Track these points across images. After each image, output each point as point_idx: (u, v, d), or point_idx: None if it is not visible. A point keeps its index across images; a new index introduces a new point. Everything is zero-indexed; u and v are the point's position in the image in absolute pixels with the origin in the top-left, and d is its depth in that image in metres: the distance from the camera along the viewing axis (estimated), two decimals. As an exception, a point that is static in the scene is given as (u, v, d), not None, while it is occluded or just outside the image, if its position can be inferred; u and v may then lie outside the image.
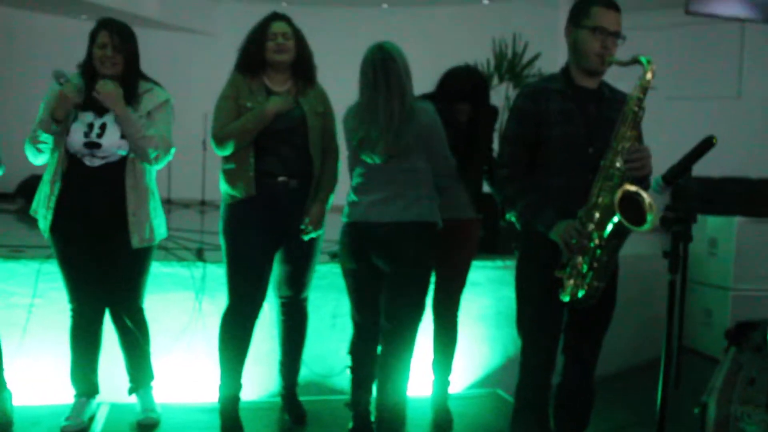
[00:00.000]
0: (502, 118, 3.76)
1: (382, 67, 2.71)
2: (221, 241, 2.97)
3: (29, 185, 8.21)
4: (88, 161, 2.83)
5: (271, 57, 2.92)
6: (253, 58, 2.94)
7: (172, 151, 2.95)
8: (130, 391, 3.12)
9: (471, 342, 3.95)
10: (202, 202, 8.73)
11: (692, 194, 2.00)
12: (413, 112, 2.71)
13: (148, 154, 2.85)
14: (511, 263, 2.62)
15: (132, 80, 2.89)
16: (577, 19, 2.37)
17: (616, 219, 2.14)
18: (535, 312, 2.41)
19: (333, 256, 3.67)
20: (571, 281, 2.28)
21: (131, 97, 2.87)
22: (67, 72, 2.85)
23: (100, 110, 2.85)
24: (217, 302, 3.41)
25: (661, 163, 2.24)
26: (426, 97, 3.03)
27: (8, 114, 8.29)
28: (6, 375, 2.94)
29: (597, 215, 2.24)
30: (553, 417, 2.52)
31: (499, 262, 4.02)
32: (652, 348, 5.08)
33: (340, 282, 2.98)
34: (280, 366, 3.21)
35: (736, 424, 3.14)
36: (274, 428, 3.18)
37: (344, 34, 9.92)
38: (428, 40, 9.49)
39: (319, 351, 3.58)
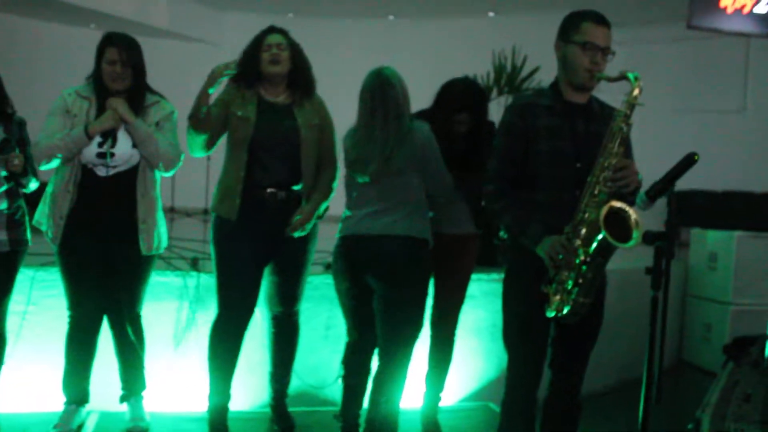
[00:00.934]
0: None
1: (380, 94, 2.75)
2: (211, 251, 2.99)
3: (27, 193, 8.28)
4: (100, 171, 2.88)
5: (265, 68, 2.93)
6: (248, 69, 2.94)
7: (182, 157, 3.00)
8: (122, 399, 3.14)
9: (465, 355, 3.93)
10: (205, 211, 8.79)
11: (674, 210, 1.99)
12: (409, 135, 2.73)
13: (161, 160, 2.91)
14: (504, 276, 2.61)
15: (140, 93, 2.95)
16: (566, 34, 2.38)
17: (601, 235, 2.14)
18: (521, 326, 2.41)
19: (327, 267, 3.67)
20: (557, 297, 2.27)
21: (140, 109, 2.93)
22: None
23: None
24: (210, 312, 3.41)
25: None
26: (424, 111, 3.04)
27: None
28: None
29: (583, 231, 2.24)
30: (540, 431, 2.51)
31: (494, 275, 4.01)
32: (641, 364, 5.07)
33: (333, 293, 2.98)
34: (270, 377, 3.21)
35: (728, 441, 3.12)
36: (263, 439, 3.19)
37: (351, 45, 9.98)
38: (432, 51, 9.54)
39: (311, 362, 3.58)
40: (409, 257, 2.74)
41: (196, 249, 4.08)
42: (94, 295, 2.96)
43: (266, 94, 2.98)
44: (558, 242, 2.25)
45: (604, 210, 2.13)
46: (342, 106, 3.06)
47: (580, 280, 2.23)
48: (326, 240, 3.09)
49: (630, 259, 4.04)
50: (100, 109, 2.90)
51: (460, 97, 3.05)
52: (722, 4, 6.09)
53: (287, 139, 2.93)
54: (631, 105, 2.23)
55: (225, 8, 10.51)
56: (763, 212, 8.05)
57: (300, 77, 3.00)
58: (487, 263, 4.04)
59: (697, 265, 5.57)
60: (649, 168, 2.40)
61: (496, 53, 6.55)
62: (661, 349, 1.95)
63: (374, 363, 2.90)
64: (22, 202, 2.95)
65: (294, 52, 2.98)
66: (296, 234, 2.95)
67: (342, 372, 2.95)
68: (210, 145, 2.96)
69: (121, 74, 2.87)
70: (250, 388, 3.48)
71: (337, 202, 3.05)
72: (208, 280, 3.50)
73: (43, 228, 2.96)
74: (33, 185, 2.94)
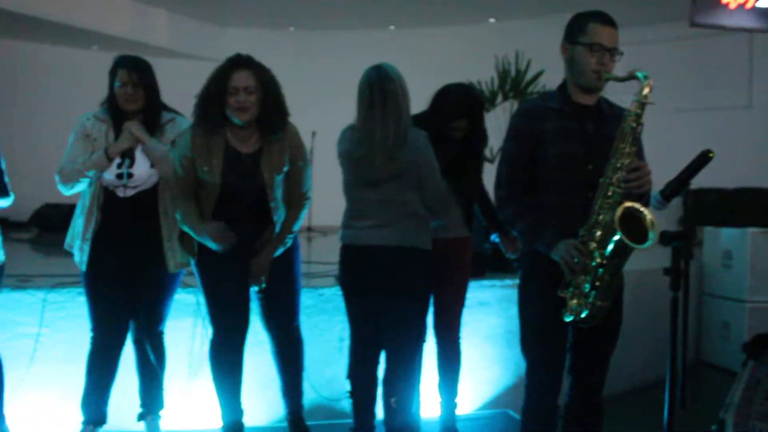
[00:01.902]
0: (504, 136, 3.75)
1: (379, 88, 2.70)
2: (195, 274, 2.95)
3: (42, 214, 8.30)
4: (121, 192, 2.91)
5: (231, 115, 2.74)
6: (211, 114, 2.74)
7: None
8: (139, 417, 3.13)
9: (481, 362, 3.91)
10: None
11: (690, 210, 1.96)
12: (409, 136, 2.71)
13: None
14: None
15: (154, 112, 2.97)
16: (573, 35, 2.36)
17: (617, 237, 2.11)
18: (538, 332, 2.38)
19: (338, 279, 3.65)
20: (574, 301, 2.25)
21: (155, 128, 2.95)
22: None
23: None
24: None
25: (672, 176, 2.19)
26: (419, 115, 3.02)
27: (17, 145, 8.41)
28: (5, 411, 2.94)
29: (598, 233, 2.21)
30: (562, 438, 2.48)
31: (507, 281, 3.99)
32: (663, 365, 5.01)
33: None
34: (281, 392, 3.19)
35: (753, 441, 3.07)
36: (280, 454, 3.16)
37: (352, 57, 9.97)
38: (434, 60, 9.53)
39: (326, 375, 3.56)
40: (410, 267, 2.73)
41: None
42: (118, 315, 2.98)
43: (233, 139, 2.81)
44: (573, 246, 2.22)
45: (619, 211, 2.11)
46: (343, 119, 3.01)
47: (597, 283, 2.20)
48: (334, 252, 3.06)
49: (645, 260, 4.01)
50: (117, 131, 2.94)
51: (459, 104, 3.04)
52: (724, 0, 6.07)
53: (254, 191, 2.82)
54: (642, 104, 2.20)
55: (225, 24, 10.55)
56: (776, 208, 7.98)
57: (269, 119, 2.79)
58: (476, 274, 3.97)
59: (711, 263, 5.52)
60: (656, 168, 2.37)
61: (499, 58, 6.54)
62: (684, 350, 1.92)
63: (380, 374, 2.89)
64: None
65: (265, 90, 2.75)
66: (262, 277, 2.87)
67: (350, 387, 2.92)
68: None
69: (132, 95, 2.90)
70: (266, 403, 3.45)
71: (334, 212, 2.97)
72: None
73: (73, 251, 3.00)
74: (3, 203, 2.92)
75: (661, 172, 2.45)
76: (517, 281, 2.50)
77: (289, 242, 2.93)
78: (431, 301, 2.94)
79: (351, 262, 2.81)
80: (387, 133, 2.68)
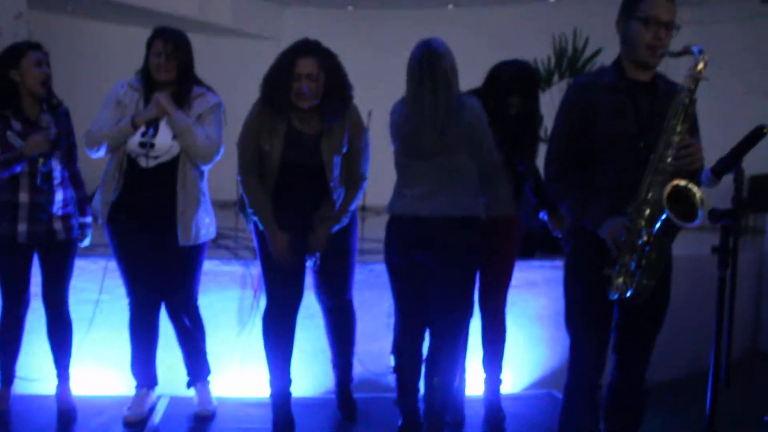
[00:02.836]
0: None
1: (428, 63, 2.70)
2: (255, 247, 3.02)
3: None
4: (143, 162, 2.96)
5: (294, 100, 2.81)
6: (276, 97, 2.84)
7: (221, 150, 3.04)
8: (188, 385, 3.23)
9: (529, 343, 3.89)
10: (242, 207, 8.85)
11: (741, 187, 1.91)
12: (459, 108, 2.70)
13: (197, 153, 2.95)
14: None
15: (185, 85, 3.00)
16: (629, 9, 2.30)
17: (664, 215, 2.07)
18: (583, 310, 2.36)
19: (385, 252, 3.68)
20: (620, 279, 2.22)
21: (184, 101, 2.99)
22: None
23: None
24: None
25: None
26: (474, 92, 3.01)
27: (82, 124, 8.69)
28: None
29: (647, 211, 2.17)
30: (604, 418, 2.46)
31: (557, 262, 3.95)
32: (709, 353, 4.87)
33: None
34: (332, 364, 3.25)
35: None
36: (325, 424, 3.22)
37: (410, 35, 9.90)
38: (492, 39, 9.37)
39: (374, 349, 3.60)
40: (461, 238, 2.72)
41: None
42: (145, 281, 3.05)
43: (296, 120, 2.89)
44: (620, 223, 2.19)
45: (668, 188, 2.06)
46: (399, 96, 3.01)
47: (644, 262, 2.17)
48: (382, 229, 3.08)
49: (701, 245, 3.90)
50: (148, 101, 2.98)
51: (512, 80, 3.02)
52: (798, -24, 5.80)
53: (312, 170, 2.89)
54: (696, 79, 2.14)
55: (286, 3, 10.62)
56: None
57: (332, 103, 2.86)
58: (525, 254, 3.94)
59: (769, 249, 5.34)
60: (721, 151, 2.31)
61: (556, 37, 6.41)
62: (729, 331, 1.88)
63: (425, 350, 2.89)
64: (73, 194, 3.08)
65: (328, 75, 2.83)
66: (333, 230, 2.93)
67: (395, 362, 2.94)
68: None
69: (164, 65, 2.93)
70: (314, 375, 3.53)
71: (383, 190, 2.97)
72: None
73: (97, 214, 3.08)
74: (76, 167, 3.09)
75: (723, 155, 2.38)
76: (564, 262, 2.48)
77: (345, 221, 2.98)
78: (477, 277, 2.94)
79: (400, 234, 2.79)
80: (437, 107, 2.68)
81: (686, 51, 2.15)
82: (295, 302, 3.00)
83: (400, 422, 2.92)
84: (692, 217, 2.04)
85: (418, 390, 2.90)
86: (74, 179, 3.10)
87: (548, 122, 3.25)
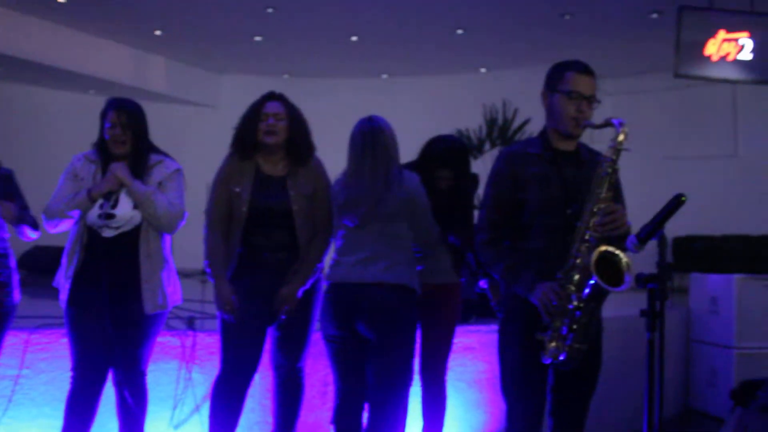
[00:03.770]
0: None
1: (371, 136, 2.82)
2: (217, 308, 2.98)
3: (32, 256, 8.28)
4: (104, 232, 2.92)
5: (261, 138, 2.97)
6: (245, 139, 2.99)
7: (185, 215, 3.03)
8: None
9: (467, 407, 3.89)
10: (203, 272, 8.71)
11: (665, 252, 2.00)
12: (398, 181, 2.78)
13: (160, 220, 2.94)
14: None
15: (141, 154, 3.00)
16: (552, 84, 2.43)
17: (593, 280, 2.15)
18: (518, 375, 2.39)
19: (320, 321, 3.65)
20: (553, 343, 2.26)
21: (141, 171, 2.98)
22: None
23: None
24: (207, 371, 3.39)
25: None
26: (410, 164, 3.11)
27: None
28: None
29: (576, 276, 2.24)
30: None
31: (493, 326, 3.98)
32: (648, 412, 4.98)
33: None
34: (272, 437, 3.16)
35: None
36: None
37: (345, 104, 10.12)
38: (425, 108, 9.68)
39: (310, 420, 3.53)
40: (399, 305, 2.75)
41: (195, 309, 4.07)
42: (98, 354, 2.95)
43: (264, 164, 3.02)
44: (551, 289, 2.25)
45: (595, 254, 2.14)
46: (338, 164, 3.08)
47: (575, 326, 2.22)
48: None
49: (631, 305, 4.01)
50: (105, 172, 2.97)
51: (441, 154, 3.16)
52: (707, 52, 6.21)
53: (281, 213, 2.97)
54: (617, 150, 2.26)
55: (222, 71, 10.72)
56: (762, 255, 8.04)
57: (296, 146, 3.02)
58: (481, 314, 4.04)
59: (698, 309, 5.54)
60: (644, 215, 2.42)
61: (487, 107, 6.66)
62: (660, 392, 1.93)
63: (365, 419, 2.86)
64: (8, 264, 3.00)
65: (292, 120, 3.01)
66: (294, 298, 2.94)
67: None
68: None
69: (120, 137, 2.94)
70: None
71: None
72: (203, 339, 3.48)
73: (60, 288, 3.01)
74: (32, 234, 3.06)
75: (647, 219, 2.48)
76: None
77: (312, 280, 2.99)
78: (418, 345, 2.96)
79: (337, 301, 2.80)
80: (375, 179, 2.77)
81: (607, 123, 2.27)
82: (251, 372, 2.95)
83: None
84: (619, 282, 2.12)
85: (358, 462, 2.85)
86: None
87: (481, 189, 3.37)
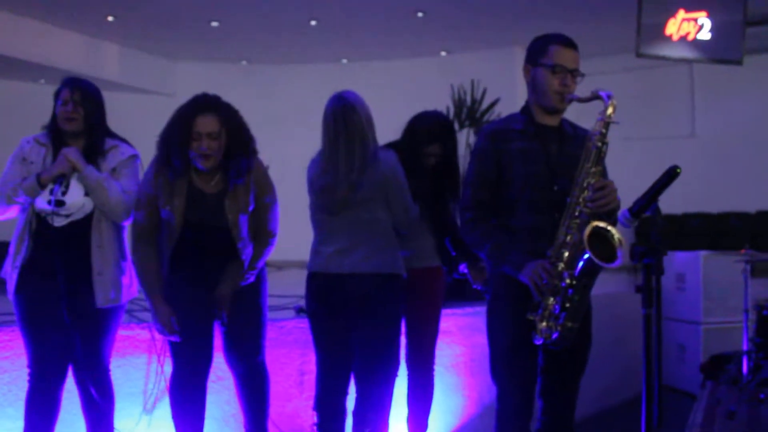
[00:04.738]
0: (463, 164, 3.76)
1: (342, 117, 2.70)
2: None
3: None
4: (54, 220, 2.74)
5: (195, 161, 2.68)
6: (176, 158, 2.68)
7: None
8: (89, 462, 2.94)
9: (445, 392, 3.85)
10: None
11: (660, 226, 1.96)
12: (374, 162, 2.69)
13: (112, 209, 2.77)
14: (482, 309, 2.55)
15: (96, 138, 2.82)
16: (535, 57, 2.37)
17: (585, 256, 2.10)
18: (508, 356, 2.34)
19: (299, 311, 3.56)
20: (544, 323, 2.21)
21: (95, 154, 2.81)
22: None
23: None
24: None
25: (621, 202, 2.23)
26: (392, 144, 3.01)
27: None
28: None
29: (566, 254, 2.20)
30: (535, 463, 2.42)
31: (468, 308, 3.96)
32: (628, 387, 5.03)
33: (307, 337, 2.89)
34: (245, 431, 3.06)
35: (720, 462, 3.07)
36: (242, 495, 3.02)
37: (305, 90, 9.97)
38: (389, 92, 9.55)
39: (287, 410, 3.45)
40: (379, 294, 2.68)
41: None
42: (54, 348, 2.78)
43: (197, 179, 2.74)
44: (541, 266, 2.20)
45: (587, 230, 2.10)
46: (298, 151, 2.97)
47: (567, 305, 2.18)
48: (296, 285, 2.99)
49: (597, 286, 4.03)
50: (56, 156, 2.78)
51: (431, 129, 3.04)
52: (667, 32, 6.27)
53: (218, 231, 2.75)
54: (607, 123, 2.21)
55: (177, 58, 10.44)
56: (723, 232, 8.21)
57: (236, 161, 2.72)
58: (457, 297, 3.99)
59: (665, 286, 5.61)
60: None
61: (455, 88, 6.60)
62: (658, 370, 1.90)
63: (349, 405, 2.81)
64: None
65: (230, 132, 2.69)
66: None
67: (317, 419, 2.82)
68: None
69: (71, 114, 2.76)
70: (226, 442, 3.32)
71: (303, 244, 2.93)
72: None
73: (6, 278, 2.82)
74: None
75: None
76: (478, 308, 2.47)
77: (251, 278, 2.85)
78: (403, 331, 2.89)
79: (319, 290, 2.74)
80: (351, 162, 2.67)
81: (595, 96, 2.23)
82: (205, 365, 2.83)
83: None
84: (612, 258, 2.08)
85: (341, 449, 2.79)
86: None
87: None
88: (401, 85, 9.82)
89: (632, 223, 2.03)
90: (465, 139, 6.05)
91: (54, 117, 2.81)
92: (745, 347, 4.38)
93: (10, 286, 2.78)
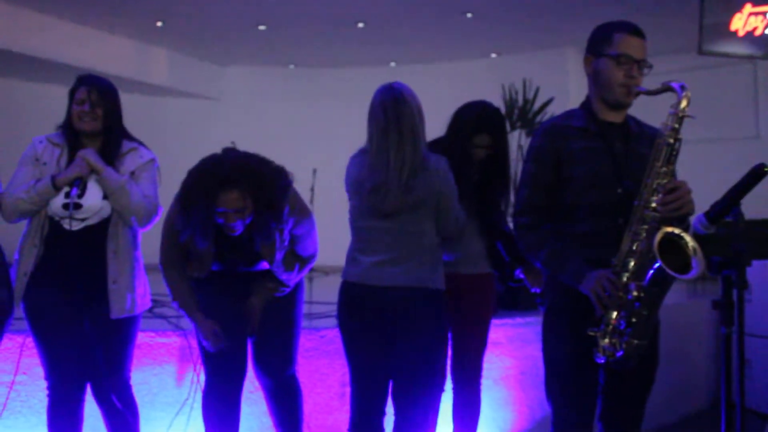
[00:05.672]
0: (514, 167, 3.53)
1: (394, 111, 2.47)
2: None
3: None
4: (68, 224, 2.61)
5: (224, 230, 2.58)
6: (199, 238, 2.57)
7: (160, 210, 2.74)
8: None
9: (493, 406, 3.65)
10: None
11: (741, 233, 1.73)
12: (426, 164, 2.48)
13: (133, 214, 2.65)
14: (534, 320, 2.34)
15: (113, 139, 2.71)
16: (598, 47, 2.16)
17: (657, 266, 1.88)
18: (566, 375, 2.12)
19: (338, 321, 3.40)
20: (607, 339, 2.00)
21: (114, 157, 2.69)
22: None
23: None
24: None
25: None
26: (438, 139, 2.81)
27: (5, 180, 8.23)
28: None
29: (633, 263, 1.98)
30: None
31: (519, 319, 3.74)
32: (685, 404, 4.74)
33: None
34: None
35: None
36: None
37: (353, 93, 9.86)
38: (437, 94, 9.36)
39: (328, 423, 3.29)
40: (421, 310, 2.46)
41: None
42: (70, 360, 2.64)
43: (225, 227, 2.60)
44: (604, 277, 1.98)
45: (658, 237, 1.87)
46: (345, 155, 2.75)
47: (634, 320, 1.96)
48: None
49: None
50: (72, 157, 2.66)
51: (478, 117, 2.83)
52: (733, 27, 5.93)
53: (249, 260, 2.72)
54: (680, 118, 1.99)
55: (225, 62, 10.46)
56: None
57: (263, 222, 2.57)
58: (509, 306, 3.77)
59: (731, 298, 5.27)
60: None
61: (505, 87, 6.37)
62: (740, 396, 1.67)
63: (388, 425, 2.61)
64: None
65: (255, 197, 2.52)
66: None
67: None
68: None
69: (88, 113, 2.64)
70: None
71: (337, 251, 2.75)
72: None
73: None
74: None
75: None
76: (529, 319, 2.26)
77: (285, 290, 2.75)
78: (450, 343, 2.68)
79: (354, 301, 2.53)
80: (403, 161, 2.43)
81: (667, 88, 2.00)
82: (239, 379, 2.71)
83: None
84: (686, 268, 1.85)
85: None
86: None
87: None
88: (451, 87, 9.58)
89: (709, 230, 1.80)
90: (516, 140, 5.81)
91: (69, 116, 2.70)
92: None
93: (18, 296, 2.63)
